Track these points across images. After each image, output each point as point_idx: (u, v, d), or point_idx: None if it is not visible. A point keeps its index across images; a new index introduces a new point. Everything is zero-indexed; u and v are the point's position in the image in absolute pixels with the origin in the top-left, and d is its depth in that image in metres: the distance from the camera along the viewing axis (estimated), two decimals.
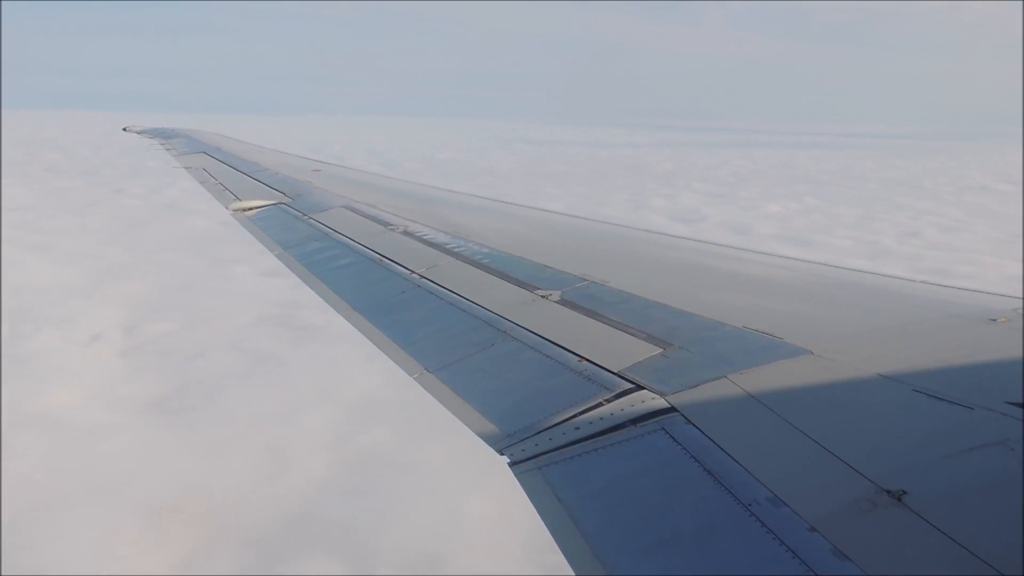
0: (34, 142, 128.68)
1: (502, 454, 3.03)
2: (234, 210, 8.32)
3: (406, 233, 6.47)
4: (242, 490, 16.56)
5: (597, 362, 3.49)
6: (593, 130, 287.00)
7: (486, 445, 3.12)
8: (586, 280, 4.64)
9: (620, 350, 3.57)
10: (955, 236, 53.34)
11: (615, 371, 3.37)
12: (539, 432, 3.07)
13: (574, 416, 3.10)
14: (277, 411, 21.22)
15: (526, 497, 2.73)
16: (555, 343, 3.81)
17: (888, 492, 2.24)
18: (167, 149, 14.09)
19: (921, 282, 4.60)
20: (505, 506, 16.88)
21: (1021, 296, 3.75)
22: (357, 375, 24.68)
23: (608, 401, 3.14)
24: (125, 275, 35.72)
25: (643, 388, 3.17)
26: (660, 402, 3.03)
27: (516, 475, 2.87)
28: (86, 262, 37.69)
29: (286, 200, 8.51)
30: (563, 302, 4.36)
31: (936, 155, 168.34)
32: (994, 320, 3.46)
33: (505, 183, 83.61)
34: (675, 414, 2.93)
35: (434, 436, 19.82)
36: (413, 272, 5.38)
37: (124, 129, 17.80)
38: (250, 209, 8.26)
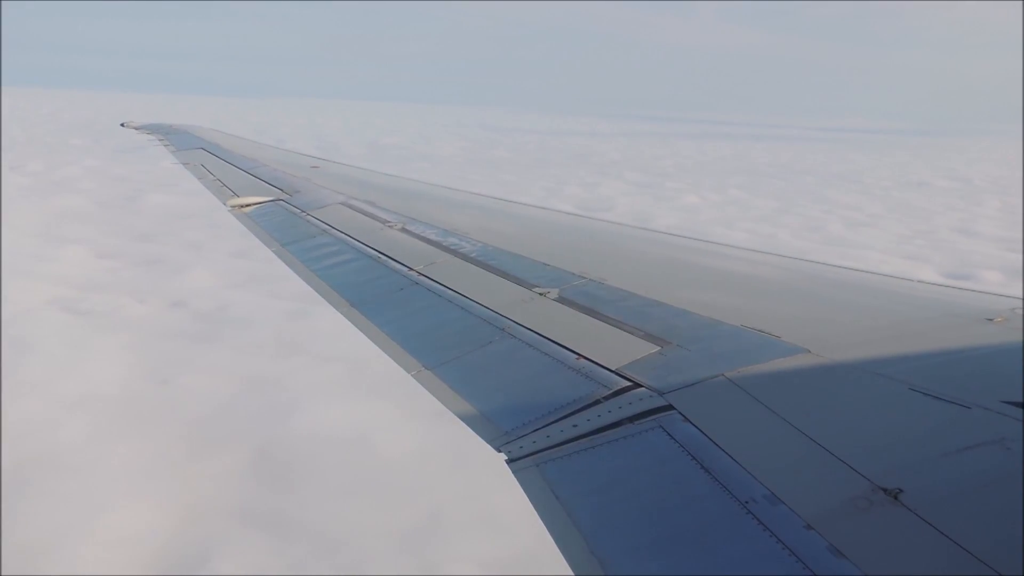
0: None
1: (499, 451, 3.03)
2: (232, 206, 8.31)
3: (404, 230, 6.48)
4: None
5: (595, 360, 3.48)
6: (566, 119, 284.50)
7: (483, 442, 3.11)
8: (584, 278, 4.63)
9: (618, 348, 3.57)
10: (858, 232, 52.04)
11: (613, 369, 3.36)
12: (537, 429, 3.07)
13: (572, 414, 3.09)
14: None
15: (524, 494, 2.72)
16: (553, 341, 3.80)
17: (885, 490, 2.23)
18: (164, 145, 13.81)
19: (919, 281, 4.60)
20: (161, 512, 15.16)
21: (1020, 296, 3.76)
22: (99, 367, 22.82)
23: (606, 399, 3.14)
24: None
25: (641, 386, 3.17)
26: (657, 400, 3.03)
27: (513, 472, 2.87)
28: None
29: (284, 197, 8.52)
30: (561, 300, 4.35)
31: (898, 151, 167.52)
32: (991, 320, 3.46)
33: (436, 168, 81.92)
34: (672, 412, 2.92)
35: (133, 439, 18.05)
36: (411, 269, 5.38)
37: (122, 124, 17.28)
38: (248, 206, 8.28)
